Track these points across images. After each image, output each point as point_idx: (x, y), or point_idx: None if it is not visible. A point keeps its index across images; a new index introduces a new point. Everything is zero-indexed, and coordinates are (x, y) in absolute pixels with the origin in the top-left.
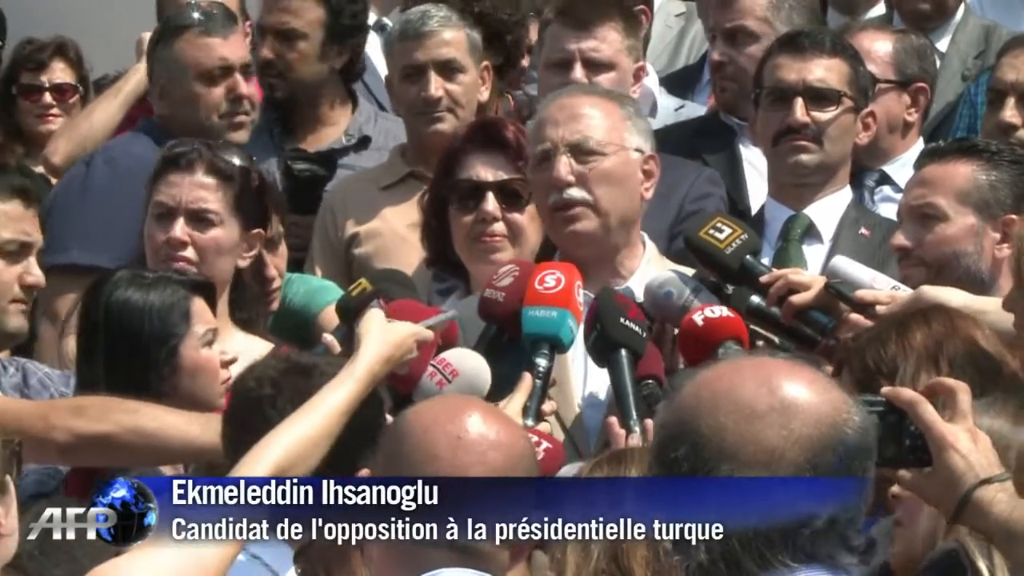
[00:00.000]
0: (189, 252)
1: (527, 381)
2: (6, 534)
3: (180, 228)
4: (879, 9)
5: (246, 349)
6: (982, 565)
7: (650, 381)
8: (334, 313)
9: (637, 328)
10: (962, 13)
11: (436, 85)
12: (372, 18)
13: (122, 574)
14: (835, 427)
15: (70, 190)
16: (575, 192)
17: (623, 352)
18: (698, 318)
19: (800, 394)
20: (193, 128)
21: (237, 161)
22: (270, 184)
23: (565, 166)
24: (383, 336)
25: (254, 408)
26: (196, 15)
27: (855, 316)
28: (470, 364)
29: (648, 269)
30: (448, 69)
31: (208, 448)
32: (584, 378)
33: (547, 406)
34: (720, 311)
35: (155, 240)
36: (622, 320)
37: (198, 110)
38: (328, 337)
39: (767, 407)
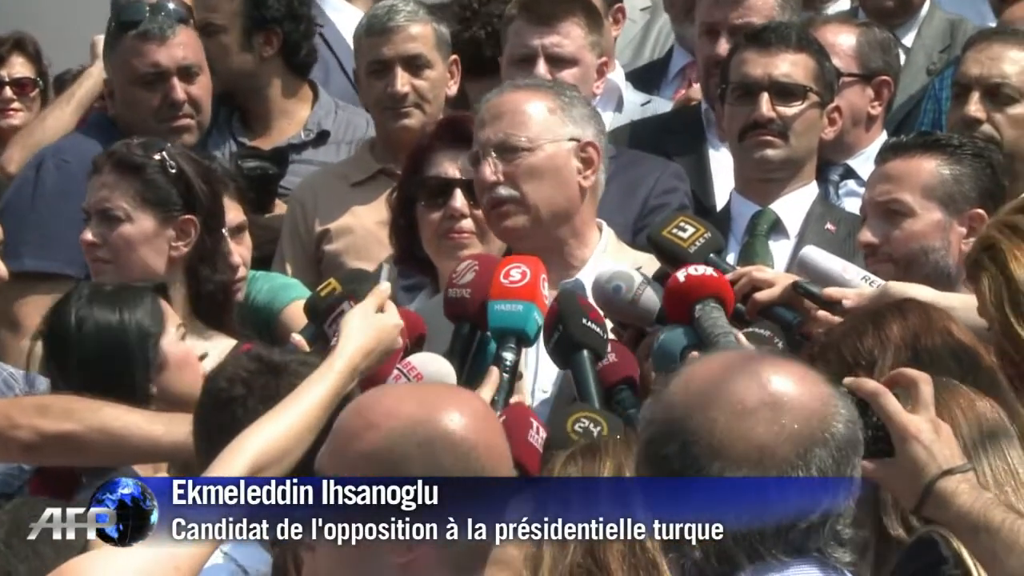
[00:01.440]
0: (103, 252)
1: (494, 375)
2: None
3: (89, 231)
4: (843, 4)
5: (208, 347)
6: (967, 555)
7: (624, 386)
8: (298, 310)
9: (598, 329)
10: (928, 7)
11: (402, 81)
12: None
13: (91, 570)
14: (825, 421)
15: (21, 195)
16: (503, 191)
17: (585, 353)
18: (681, 275)
19: (790, 389)
20: (136, 130)
21: (142, 152)
22: (216, 171)
23: (490, 166)
24: (364, 328)
25: (224, 408)
26: (141, 15)
27: (822, 313)
28: (434, 368)
29: (602, 258)
30: (414, 64)
31: (173, 447)
32: (536, 372)
33: (514, 399)
34: (704, 270)
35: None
36: (584, 321)
37: (137, 113)
38: (296, 337)
39: (758, 402)
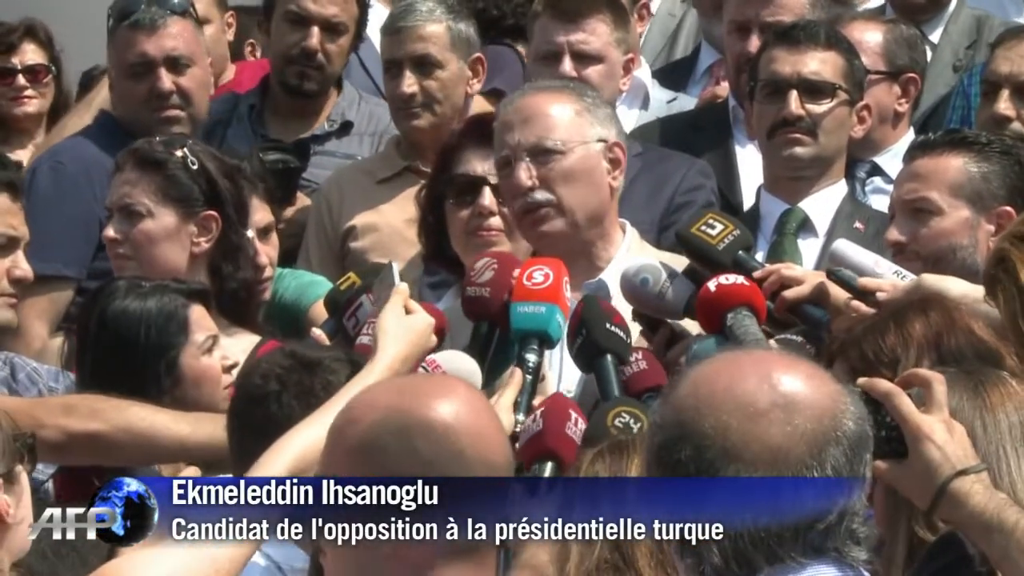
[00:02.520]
0: (125, 248)
1: (517, 376)
2: (13, 523)
3: (111, 227)
4: (874, 1)
5: (231, 343)
6: None
7: (651, 394)
8: (323, 308)
9: (622, 334)
10: (955, 4)
11: (409, 82)
12: None
13: (130, 572)
14: (836, 419)
15: None
16: (539, 195)
17: (608, 358)
18: (712, 285)
19: (801, 388)
20: (130, 123)
21: (163, 148)
22: (244, 170)
23: (525, 171)
24: (402, 334)
25: (258, 404)
26: (136, 5)
27: (856, 303)
28: (459, 365)
29: (626, 257)
30: (423, 65)
31: (199, 447)
32: (560, 373)
33: (537, 400)
34: (735, 279)
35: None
36: (607, 326)
37: (128, 105)
38: (316, 331)
39: (769, 403)
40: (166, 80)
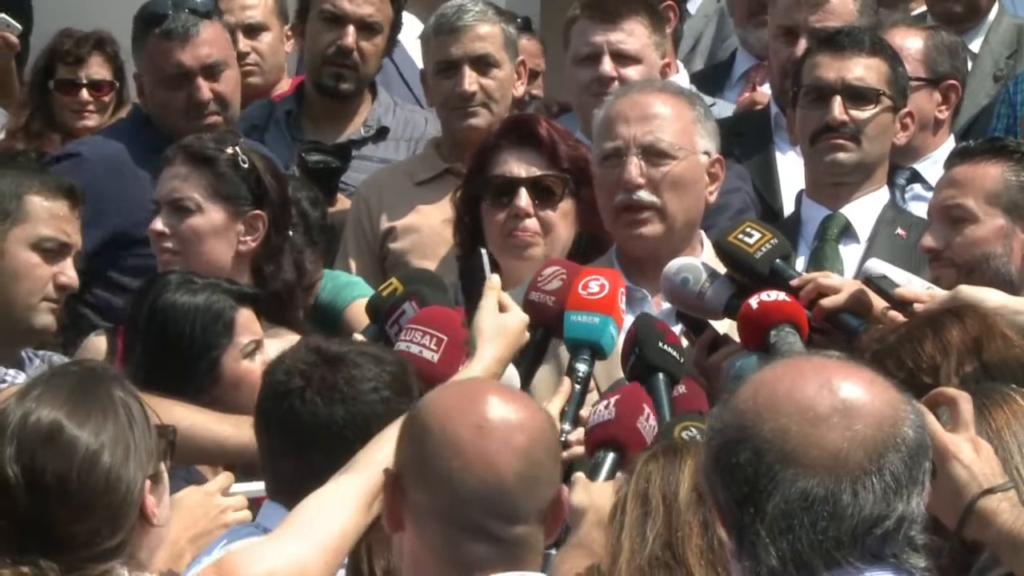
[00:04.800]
0: (170, 243)
1: (566, 385)
2: (161, 524)
3: (160, 220)
4: (922, 6)
5: (272, 343)
6: None
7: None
8: (361, 308)
9: (675, 353)
10: (995, 13)
11: (471, 80)
12: None
13: (249, 560)
14: (896, 426)
15: None
16: (644, 195)
17: (661, 376)
18: (754, 302)
19: (861, 395)
20: (168, 128)
21: (214, 145)
22: (292, 176)
23: (636, 167)
24: (498, 334)
25: (282, 400)
26: (164, 9)
27: (894, 314)
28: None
29: None
30: (483, 64)
31: (240, 448)
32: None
33: (585, 411)
34: (776, 295)
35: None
36: (660, 345)
37: (164, 112)
38: (358, 337)
39: (829, 408)
40: (205, 90)
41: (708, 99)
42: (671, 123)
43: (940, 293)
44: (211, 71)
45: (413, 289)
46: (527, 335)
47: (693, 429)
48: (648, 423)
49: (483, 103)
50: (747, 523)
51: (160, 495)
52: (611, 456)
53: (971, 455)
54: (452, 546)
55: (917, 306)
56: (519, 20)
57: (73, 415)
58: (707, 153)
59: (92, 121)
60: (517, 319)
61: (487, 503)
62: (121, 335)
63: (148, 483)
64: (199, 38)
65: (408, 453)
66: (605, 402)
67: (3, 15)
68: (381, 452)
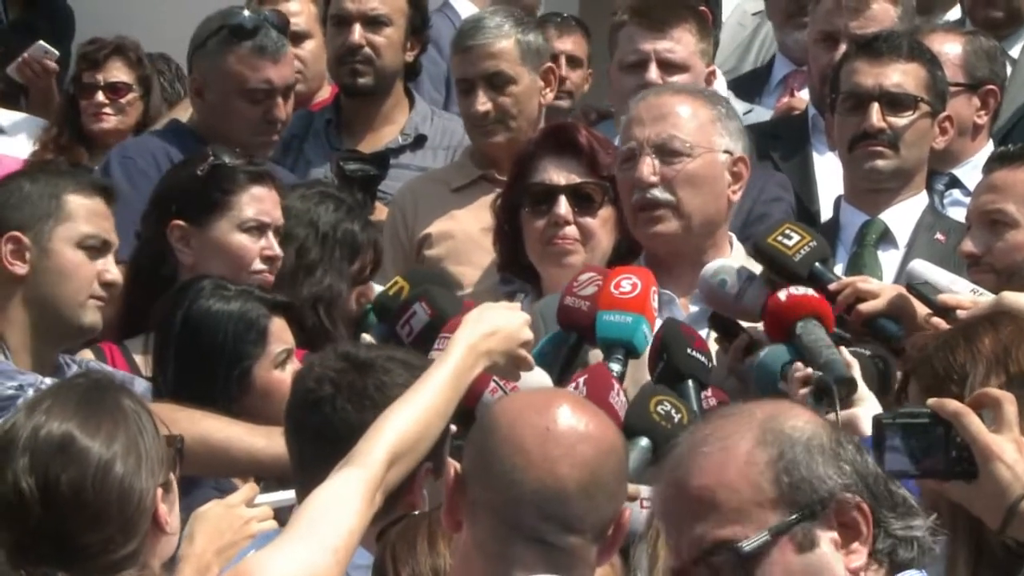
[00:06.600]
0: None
1: None
2: (172, 533)
3: (274, 243)
4: (955, 13)
5: None
6: None
7: None
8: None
9: (703, 358)
10: None
11: (482, 100)
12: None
13: (266, 566)
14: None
15: None
16: (658, 193)
17: (689, 383)
18: (782, 295)
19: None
20: (222, 138)
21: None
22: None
23: (648, 166)
24: (482, 313)
25: (313, 408)
26: (258, 23)
27: (936, 320)
28: (532, 380)
29: None
30: (496, 82)
31: (273, 461)
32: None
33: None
34: (804, 290)
35: (248, 250)
36: (688, 351)
37: (231, 123)
38: (367, 338)
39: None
40: (282, 110)
41: (745, 105)
42: (686, 121)
43: (985, 297)
44: (288, 92)
45: (422, 290)
46: (528, 333)
47: (667, 403)
48: (619, 398)
49: (499, 120)
50: None
51: (171, 503)
52: None
53: (1015, 456)
54: (500, 543)
55: (960, 312)
56: (561, 19)
57: (84, 426)
58: (728, 151)
59: (109, 124)
60: (514, 309)
61: (543, 507)
62: (108, 350)
63: (160, 491)
64: (286, 57)
65: (473, 450)
66: (574, 383)
67: (42, 42)
68: (379, 442)
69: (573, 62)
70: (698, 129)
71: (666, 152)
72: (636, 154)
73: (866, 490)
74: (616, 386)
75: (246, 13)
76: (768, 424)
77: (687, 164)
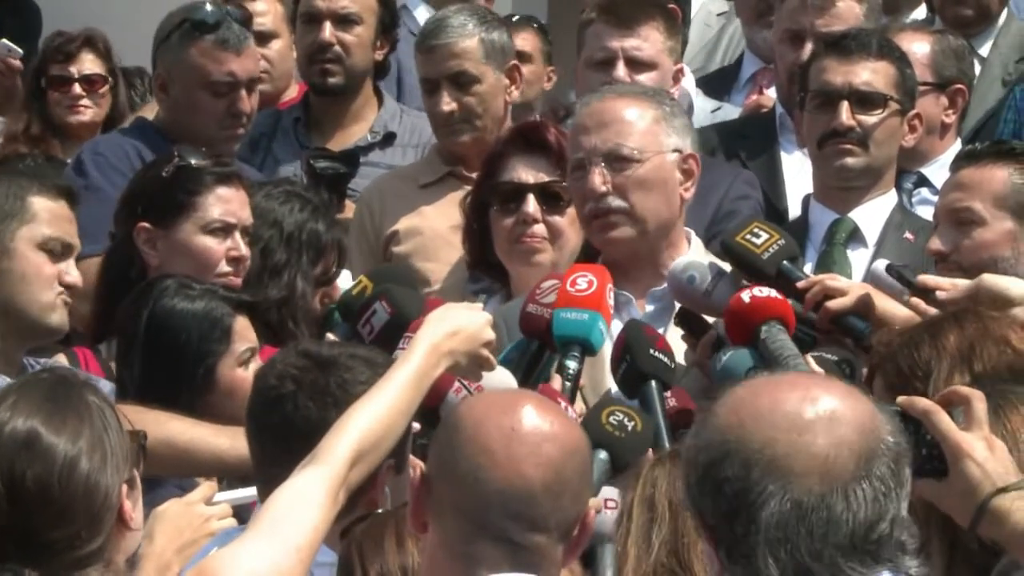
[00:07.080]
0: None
1: (556, 383)
2: (137, 529)
3: (241, 244)
4: (921, 12)
5: None
6: None
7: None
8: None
9: (665, 359)
10: (1005, 17)
11: (447, 100)
12: None
13: (229, 564)
14: (876, 433)
15: None
16: (611, 201)
17: (652, 383)
18: (745, 296)
19: (840, 404)
20: (188, 133)
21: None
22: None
23: (599, 176)
24: (443, 313)
25: (274, 406)
26: (220, 18)
27: (916, 301)
28: (496, 380)
29: None
30: (460, 82)
31: (238, 461)
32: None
33: (577, 408)
34: (767, 292)
35: (213, 252)
36: (651, 351)
37: (196, 117)
38: (330, 337)
39: (813, 417)
40: (247, 102)
41: (714, 103)
42: (632, 126)
43: (963, 281)
44: (252, 85)
45: (382, 288)
46: (490, 333)
47: (619, 413)
48: (568, 413)
49: (464, 119)
50: (739, 536)
51: (135, 499)
52: None
53: (985, 453)
54: (466, 543)
55: (939, 293)
56: (534, 24)
57: (49, 422)
58: (677, 150)
59: (87, 116)
60: (474, 309)
61: (508, 506)
62: (81, 354)
63: (124, 487)
64: (248, 51)
65: (439, 450)
66: None
67: (5, 41)
68: (342, 440)
69: (523, 57)
70: (644, 132)
71: (615, 160)
72: (586, 164)
73: None
74: (563, 404)
75: (208, 7)
76: None
77: (637, 170)
